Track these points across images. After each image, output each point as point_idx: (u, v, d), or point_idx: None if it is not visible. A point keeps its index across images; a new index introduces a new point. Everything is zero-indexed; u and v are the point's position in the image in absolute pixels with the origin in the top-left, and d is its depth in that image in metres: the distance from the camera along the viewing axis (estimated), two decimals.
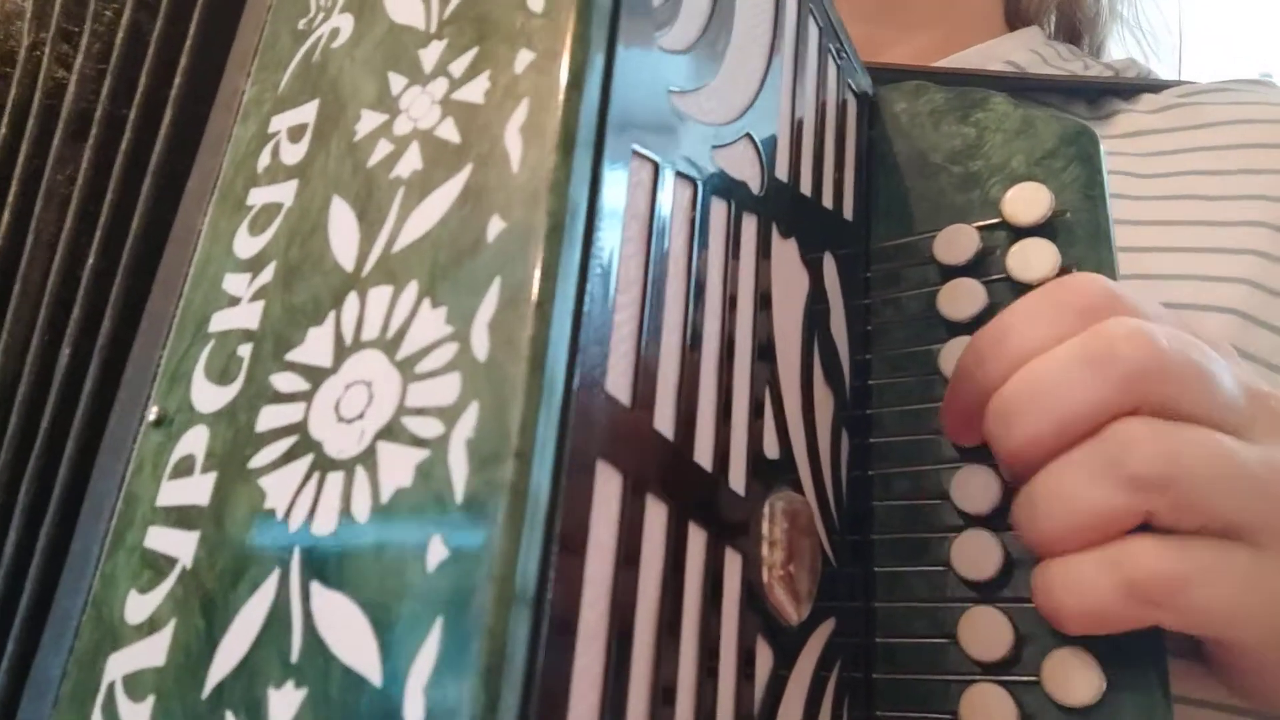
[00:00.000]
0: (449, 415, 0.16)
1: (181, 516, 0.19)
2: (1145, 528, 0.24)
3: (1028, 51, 0.49)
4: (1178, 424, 0.23)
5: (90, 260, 0.28)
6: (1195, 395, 0.24)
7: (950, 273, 0.33)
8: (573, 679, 0.15)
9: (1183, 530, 0.24)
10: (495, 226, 0.18)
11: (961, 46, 0.49)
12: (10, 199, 0.31)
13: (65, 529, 0.22)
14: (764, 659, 0.23)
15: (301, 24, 0.25)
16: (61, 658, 0.20)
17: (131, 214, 0.27)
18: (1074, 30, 0.55)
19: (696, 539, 0.21)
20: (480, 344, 0.17)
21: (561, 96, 0.18)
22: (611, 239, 0.19)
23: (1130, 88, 0.47)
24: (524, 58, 0.19)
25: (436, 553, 0.15)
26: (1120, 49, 0.57)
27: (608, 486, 0.17)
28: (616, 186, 0.19)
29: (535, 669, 0.15)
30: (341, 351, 0.18)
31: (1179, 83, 0.47)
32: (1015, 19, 0.53)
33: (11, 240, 0.30)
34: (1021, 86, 0.47)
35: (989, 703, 0.27)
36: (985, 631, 0.28)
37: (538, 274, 0.17)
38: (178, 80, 0.29)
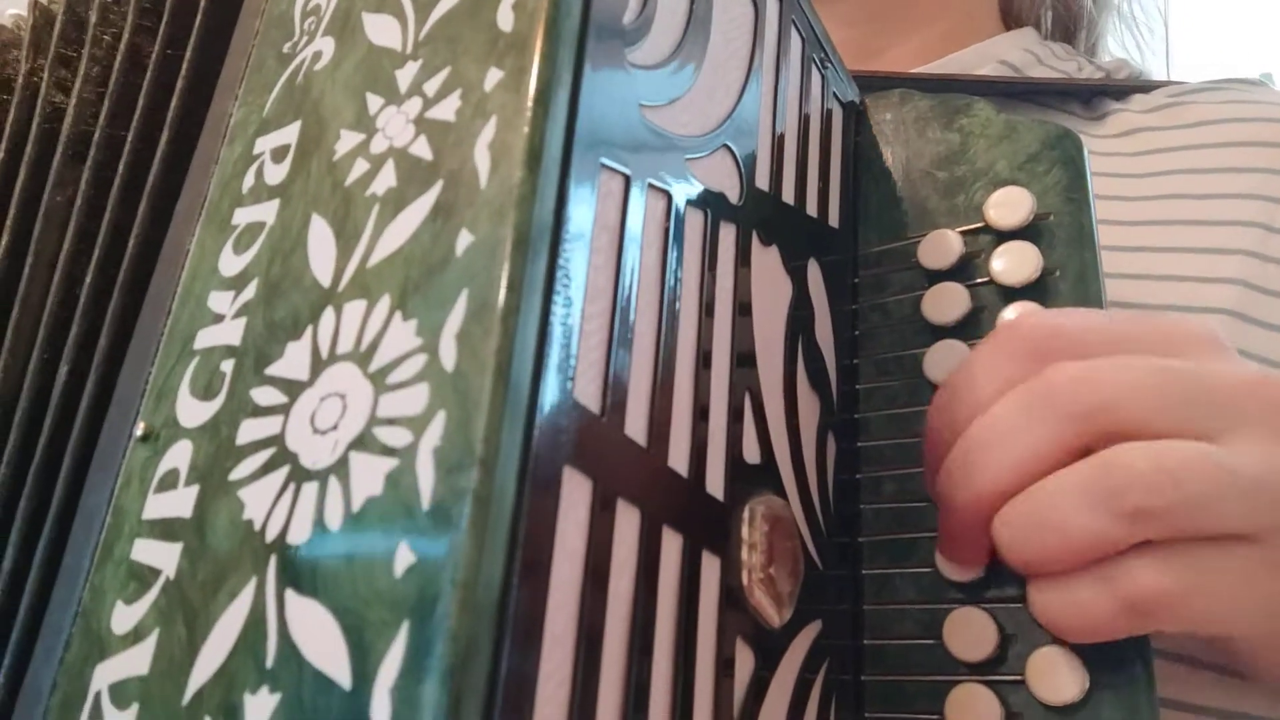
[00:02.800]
0: (417, 425, 0.17)
1: (166, 529, 0.20)
2: None
3: (1022, 51, 0.49)
4: (1170, 445, 0.23)
5: (88, 279, 0.29)
6: (1156, 415, 0.23)
7: (935, 277, 0.33)
8: (539, 681, 0.16)
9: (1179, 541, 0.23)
10: (464, 241, 0.18)
11: (958, 46, 0.49)
12: (9, 221, 0.31)
13: (58, 545, 0.23)
14: (744, 661, 0.23)
15: (286, 47, 0.26)
16: (52, 669, 0.20)
17: (128, 234, 0.28)
18: (1068, 28, 0.55)
19: (671, 543, 0.21)
20: (448, 355, 0.17)
21: (528, 113, 0.19)
22: (579, 251, 0.19)
23: (1121, 89, 0.47)
24: (493, 76, 0.20)
25: (404, 559, 0.16)
26: (1116, 44, 0.57)
27: (576, 493, 0.18)
28: (584, 200, 0.19)
29: (499, 671, 0.15)
30: (318, 365, 0.19)
31: (1169, 83, 0.47)
32: (1011, 18, 0.53)
33: (11, 261, 0.31)
34: (1013, 91, 0.47)
35: (974, 702, 0.27)
36: (970, 632, 0.28)
37: (504, 286, 0.17)
38: (174, 103, 0.29)
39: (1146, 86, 0.47)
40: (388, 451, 0.17)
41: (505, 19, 0.20)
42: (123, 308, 0.26)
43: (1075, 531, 0.23)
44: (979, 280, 0.33)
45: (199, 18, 0.30)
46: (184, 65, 0.30)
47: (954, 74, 0.48)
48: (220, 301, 0.22)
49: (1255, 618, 0.23)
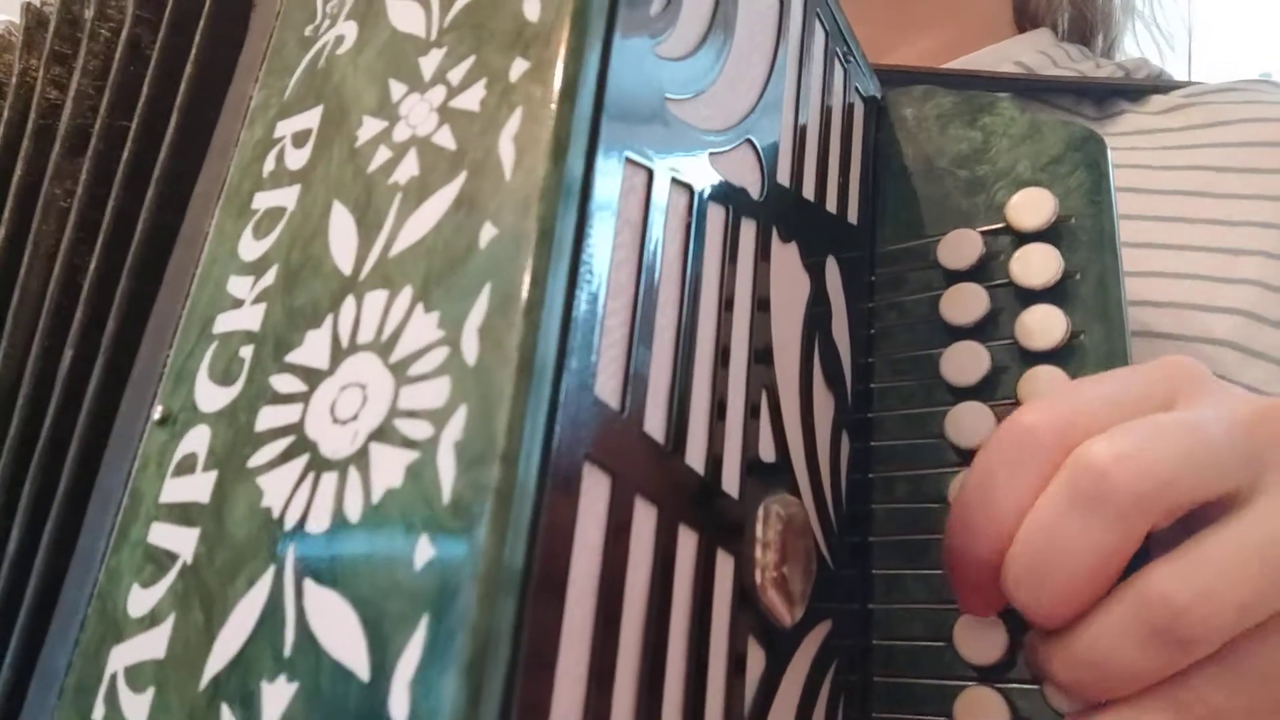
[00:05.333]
0: (439, 418, 0.17)
1: (183, 513, 0.20)
2: None
3: (1037, 53, 0.48)
4: (1202, 553, 0.22)
5: (92, 265, 0.29)
6: (1209, 481, 0.22)
7: (954, 277, 0.33)
8: (556, 676, 0.16)
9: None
10: (487, 233, 0.18)
11: (970, 48, 0.49)
12: (6, 214, 0.32)
13: (71, 525, 0.23)
14: (755, 660, 0.23)
15: (308, 30, 0.25)
16: (67, 650, 0.20)
17: (134, 220, 0.28)
18: (1085, 30, 0.54)
19: (687, 541, 0.21)
20: (470, 348, 0.17)
21: (554, 106, 0.19)
22: (602, 246, 0.19)
23: (1138, 89, 0.47)
24: (519, 67, 0.20)
25: (424, 553, 0.16)
26: (1134, 48, 0.56)
27: (595, 488, 0.18)
28: (608, 194, 0.19)
29: (518, 666, 0.15)
30: (338, 354, 0.19)
31: (1187, 84, 0.47)
32: (1024, 20, 0.53)
33: (9, 253, 0.31)
34: (1030, 88, 0.47)
35: (984, 706, 0.27)
36: (980, 635, 0.28)
37: (527, 280, 0.17)
38: (182, 88, 0.29)
39: (1164, 87, 0.46)
40: (409, 444, 0.17)
41: (531, 8, 0.20)
42: (131, 291, 0.26)
43: (1130, 670, 0.22)
44: (998, 281, 0.32)
45: (207, 5, 0.30)
46: (193, 52, 0.30)
47: (972, 69, 0.48)
48: (240, 286, 0.22)
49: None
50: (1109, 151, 0.33)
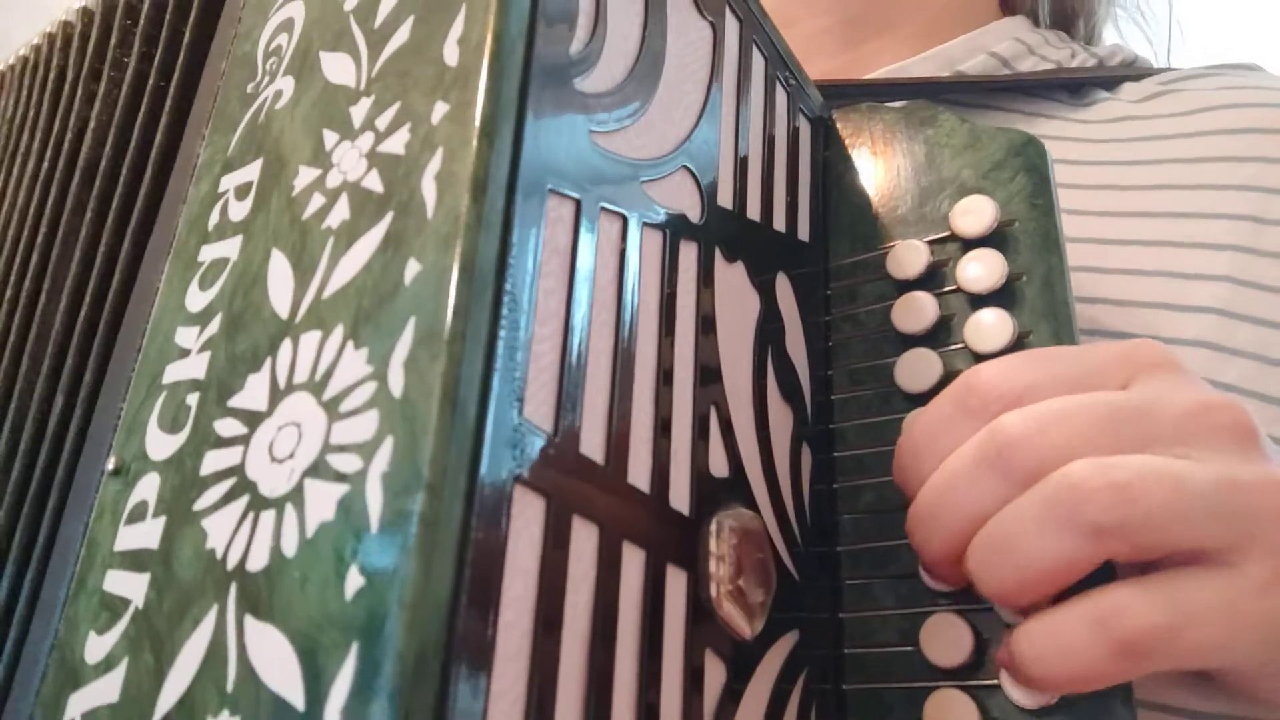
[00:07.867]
0: (367, 450, 0.17)
1: (135, 560, 0.20)
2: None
3: (1012, 41, 0.47)
4: (1125, 458, 0.23)
5: (84, 310, 0.29)
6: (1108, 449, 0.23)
7: (904, 287, 0.34)
8: (490, 700, 0.16)
9: (1145, 559, 0.23)
10: (412, 270, 0.19)
11: (948, 34, 0.48)
12: (38, 242, 0.31)
13: (39, 578, 0.23)
14: (715, 673, 0.24)
15: (250, 88, 0.26)
16: (29, 701, 0.21)
17: (114, 269, 0.28)
18: (1066, 15, 0.53)
19: (633, 558, 0.21)
20: (396, 382, 0.18)
21: (473, 145, 0.19)
22: (527, 276, 0.20)
23: (1110, 78, 0.46)
24: (440, 109, 0.20)
25: (354, 582, 0.16)
26: (1115, 34, 0.55)
27: (528, 511, 0.18)
28: (531, 226, 0.20)
29: (448, 691, 0.15)
30: (276, 395, 0.19)
31: (1163, 70, 0.46)
32: (1007, 3, 0.52)
33: (33, 285, 0.30)
34: (996, 86, 0.47)
35: (952, 708, 0.27)
36: (947, 637, 0.28)
37: (450, 313, 0.18)
38: (158, 139, 0.30)
39: (1138, 75, 0.45)
40: (340, 478, 0.17)
41: (451, 54, 0.21)
42: (105, 343, 0.27)
43: (1037, 554, 0.23)
44: (947, 288, 0.33)
45: (181, 56, 0.31)
46: (168, 101, 0.30)
47: (930, 78, 0.47)
48: (186, 336, 0.22)
49: (1249, 645, 0.23)
50: (1049, 155, 0.34)
